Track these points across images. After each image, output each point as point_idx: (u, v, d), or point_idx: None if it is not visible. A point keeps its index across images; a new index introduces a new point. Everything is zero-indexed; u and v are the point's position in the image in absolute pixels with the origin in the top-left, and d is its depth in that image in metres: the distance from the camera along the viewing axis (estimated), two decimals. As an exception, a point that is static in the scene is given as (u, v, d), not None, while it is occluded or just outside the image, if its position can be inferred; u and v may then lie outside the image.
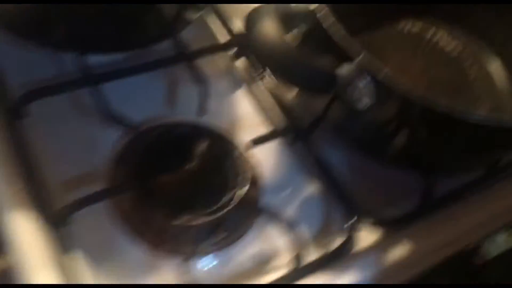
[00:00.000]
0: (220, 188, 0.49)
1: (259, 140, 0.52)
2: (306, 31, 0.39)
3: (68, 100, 0.51)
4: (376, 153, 0.49)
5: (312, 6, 0.42)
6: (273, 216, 0.48)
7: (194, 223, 0.45)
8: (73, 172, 0.47)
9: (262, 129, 0.54)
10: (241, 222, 0.48)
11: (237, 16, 0.59)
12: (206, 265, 0.46)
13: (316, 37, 0.39)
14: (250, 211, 0.48)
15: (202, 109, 0.52)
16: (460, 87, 0.57)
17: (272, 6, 0.38)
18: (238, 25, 0.59)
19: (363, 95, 0.41)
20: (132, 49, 0.51)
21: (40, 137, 0.48)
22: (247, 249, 0.47)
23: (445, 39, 0.62)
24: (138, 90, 0.54)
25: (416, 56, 0.59)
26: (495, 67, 0.59)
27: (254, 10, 0.39)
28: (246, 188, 0.50)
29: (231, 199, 0.47)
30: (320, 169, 0.52)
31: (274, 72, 0.38)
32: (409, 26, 0.62)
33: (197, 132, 0.51)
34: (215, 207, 0.47)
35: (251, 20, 0.38)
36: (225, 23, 0.59)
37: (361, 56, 0.39)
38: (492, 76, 0.58)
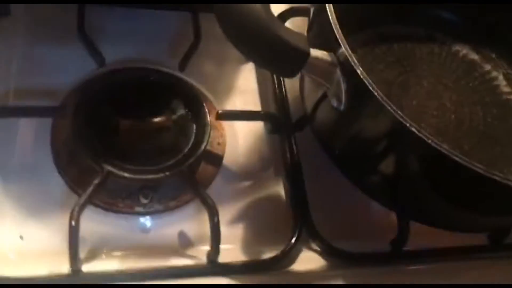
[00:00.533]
0: (175, 150, 0.45)
1: (234, 115, 0.47)
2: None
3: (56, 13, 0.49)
4: (353, 175, 0.42)
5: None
6: (220, 202, 0.43)
7: (127, 175, 0.42)
8: (35, 84, 0.45)
9: (248, 105, 0.49)
10: (181, 194, 0.44)
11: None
12: (124, 224, 0.42)
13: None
14: (198, 186, 0.43)
15: (183, 62, 0.47)
16: (497, 133, 0.47)
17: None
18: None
19: (339, 93, 0.34)
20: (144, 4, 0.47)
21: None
22: (176, 224, 0.43)
23: (500, 79, 0.51)
24: (130, 24, 0.50)
25: (459, 84, 0.50)
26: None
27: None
28: (202, 161, 0.46)
29: (180, 166, 0.43)
30: (289, 171, 0.46)
31: (238, 37, 0.32)
32: (465, 51, 0.53)
33: (174, 85, 0.47)
34: (159, 167, 0.43)
35: None
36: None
37: (342, 48, 0.32)
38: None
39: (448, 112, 0.48)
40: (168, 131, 0.46)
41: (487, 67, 0.52)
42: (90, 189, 0.40)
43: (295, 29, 0.39)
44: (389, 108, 0.32)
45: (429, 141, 0.30)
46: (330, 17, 0.33)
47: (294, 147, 0.46)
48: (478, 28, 0.53)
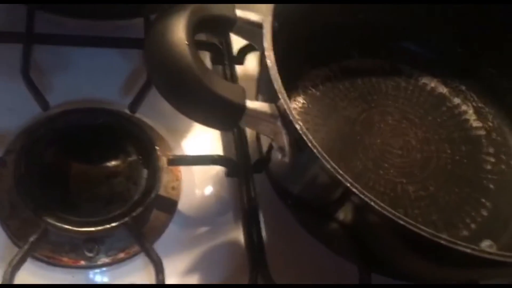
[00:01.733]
0: (125, 199, 0.42)
1: (185, 161, 0.45)
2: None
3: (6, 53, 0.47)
4: (307, 225, 0.39)
5: (254, 17, 0.34)
6: (172, 251, 0.41)
7: (68, 227, 0.39)
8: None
9: (207, 146, 0.47)
10: (130, 245, 0.41)
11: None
12: (69, 279, 0.40)
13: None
14: (143, 240, 0.40)
15: (134, 103, 0.45)
16: (465, 172, 0.45)
17: (189, 6, 0.30)
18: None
19: (282, 146, 0.32)
20: (90, 17, 0.45)
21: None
22: (125, 277, 0.40)
23: (470, 113, 0.49)
24: (80, 63, 0.48)
25: (426, 119, 0.48)
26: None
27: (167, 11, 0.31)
28: (154, 208, 0.44)
29: (126, 217, 0.41)
30: (246, 215, 0.43)
31: (168, 89, 0.29)
32: (433, 84, 0.51)
33: (125, 127, 0.45)
34: (104, 219, 0.40)
35: (157, 20, 0.30)
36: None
37: (281, 99, 0.30)
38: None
39: (414, 150, 0.46)
40: (118, 177, 0.43)
41: (457, 100, 0.50)
42: (29, 243, 0.38)
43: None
44: (330, 168, 0.29)
45: (372, 204, 0.28)
46: (268, 64, 0.31)
47: (252, 190, 0.44)
48: (447, 60, 0.51)
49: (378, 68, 0.50)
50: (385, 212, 0.28)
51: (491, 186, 0.45)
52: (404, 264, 0.35)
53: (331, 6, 0.45)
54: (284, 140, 0.32)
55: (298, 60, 0.47)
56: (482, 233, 0.42)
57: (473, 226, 0.42)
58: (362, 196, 0.29)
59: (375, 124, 0.47)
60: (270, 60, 0.31)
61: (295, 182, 0.36)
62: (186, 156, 0.45)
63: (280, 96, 0.31)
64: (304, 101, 0.47)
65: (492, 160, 0.46)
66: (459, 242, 0.28)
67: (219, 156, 0.45)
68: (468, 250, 0.28)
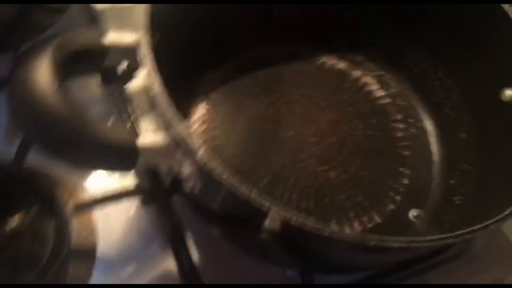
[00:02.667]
0: (33, 261, 0.38)
1: (96, 201, 0.41)
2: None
3: None
4: (235, 241, 0.38)
5: (128, 38, 0.31)
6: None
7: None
8: None
9: (109, 182, 0.43)
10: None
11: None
12: None
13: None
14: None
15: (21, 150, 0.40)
16: (380, 145, 0.45)
17: (53, 41, 0.26)
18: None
19: (189, 174, 0.30)
20: None
21: None
22: None
23: (372, 83, 0.49)
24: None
25: (333, 100, 0.47)
26: (429, 129, 0.47)
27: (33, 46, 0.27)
28: (70, 262, 0.40)
29: (44, 277, 0.37)
30: (173, 241, 0.41)
31: (41, 142, 0.26)
32: (332, 61, 0.50)
33: (17, 177, 0.41)
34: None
35: (21, 61, 0.26)
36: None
37: (176, 128, 0.27)
38: (424, 140, 0.46)
39: (327, 134, 0.45)
40: (22, 236, 0.39)
41: (357, 73, 0.49)
42: None
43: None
44: (240, 192, 0.27)
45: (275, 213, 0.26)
46: (155, 91, 0.28)
47: (174, 213, 0.42)
48: (340, 33, 0.50)
49: (277, 55, 0.48)
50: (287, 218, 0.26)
51: (406, 153, 0.45)
52: (328, 259, 0.34)
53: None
54: (191, 168, 0.29)
55: (191, 66, 0.44)
56: (408, 203, 0.42)
57: (397, 198, 0.42)
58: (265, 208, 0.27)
59: (284, 116, 0.45)
60: (156, 86, 0.29)
61: (210, 201, 0.34)
62: (95, 196, 0.41)
63: (174, 126, 0.28)
64: (208, 108, 0.45)
65: (402, 126, 0.47)
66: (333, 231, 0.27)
67: (130, 187, 0.42)
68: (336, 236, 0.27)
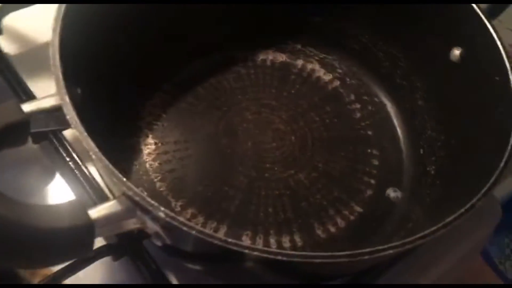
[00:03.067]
0: None
1: (67, 271, 0.37)
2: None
3: None
4: (220, 273, 0.35)
5: (48, 102, 0.28)
6: None
7: None
8: None
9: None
10: None
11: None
12: None
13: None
14: None
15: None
16: (341, 132, 0.44)
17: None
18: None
19: (156, 232, 0.27)
20: None
21: None
22: None
23: (317, 69, 0.47)
24: None
25: (282, 97, 0.45)
26: (385, 103, 0.46)
27: None
28: None
29: None
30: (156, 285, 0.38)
31: None
32: (271, 57, 0.48)
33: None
34: None
35: None
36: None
37: (127, 189, 0.25)
38: (383, 115, 0.45)
39: (286, 135, 0.43)
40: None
41: (300, 62, 0.47)
42: None
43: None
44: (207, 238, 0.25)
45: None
46: (92, 155, 0.25)
47: (151, 261, 0.39)
48: (272, 25, 0.48)
49: (210, 68, 0.46)
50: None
51: (369, 132, 0.44)
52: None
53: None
54: (155, 226, 0.27)
55: (125, 104, 0.41)
56: (384, 184, 0.41)
57: (372, 181, 0.41)
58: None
59: (237, 127, 0.43)
60: (92, 152, 0.26)
61: (183, 246, 0.31)
62: (65, 266, 0.38)
63: (125, 189, 0.25)
64: (156, 140, 0.42)
65: (358, 106, 0.45)
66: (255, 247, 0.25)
67: (98, 248, 0.39)
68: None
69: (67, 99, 0.28)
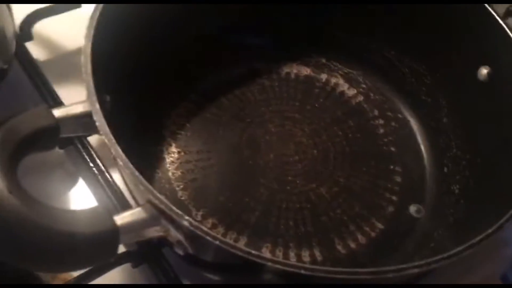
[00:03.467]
0: None
1: (88, 277, 0.38)
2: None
3: None
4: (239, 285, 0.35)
5: (78, 108, 0.28)
6: None
7: None
8: None
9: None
10: None
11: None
12: None
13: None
14: None
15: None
16: (364, 147, 0.44)
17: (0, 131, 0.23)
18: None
19: (178, 241, 0.28)
20: None
21: None
22: None
23: (342, 83, 0.47)
24: None
25: (305, 110, 0.45)
26: (409, 119, 0.45)
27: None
28: None
29: None
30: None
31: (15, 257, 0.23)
32: (295, 70, 0.48)
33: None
34: None
35: None
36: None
37: (153, 198, 0.25)
38: (407, 132, 0.45)
39: (309, 148, 0.43)
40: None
41: (324, 76, 0.47)
42: None
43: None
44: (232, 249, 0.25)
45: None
46: (119, 163, 0.26)
47: (170, 270, 0.39)
48: (296, 38, 0.48)
49: (235, 79, 0.46)
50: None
51: (392, 148, 0.43)
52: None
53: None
54: (178, 235, 0.27)
55: (151, 112, 0.41)
56: (406, 201, 0.41)
57: (394, 198, 0.41)
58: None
59: (260, 139, 0.43)
60: (120, 159, 0.26)
61: (204, 255, 0.31)
62: (85, 272, 0.38)
63: (151, 197, 0.25)
64: (179, 149, 0.42)
65: (381, 122, 0.45)
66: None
67: (118, 255, 0.39)
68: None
69: (97, 106, 0.29)
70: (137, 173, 0.27)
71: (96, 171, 0.40)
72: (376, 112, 0.46)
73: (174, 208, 0.26)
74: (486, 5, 0.38)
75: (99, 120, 0.28)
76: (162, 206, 0.26)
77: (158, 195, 0.26)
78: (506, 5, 0.39)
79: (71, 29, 0.48)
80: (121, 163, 0.27)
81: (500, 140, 0.36)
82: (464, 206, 0.37)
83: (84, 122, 0.30)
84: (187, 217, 0.25)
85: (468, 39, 0.39)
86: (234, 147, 0.43)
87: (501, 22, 0.38)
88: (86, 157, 0.40)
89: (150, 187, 0.26)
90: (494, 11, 0.38)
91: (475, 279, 0.42)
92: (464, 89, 0.40)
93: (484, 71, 0.38)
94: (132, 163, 0.28)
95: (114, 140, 0.27)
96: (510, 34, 0.37)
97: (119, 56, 0.36)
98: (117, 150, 0.27)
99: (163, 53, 0.42)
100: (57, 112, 0.29)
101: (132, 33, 0.37)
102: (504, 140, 0.36)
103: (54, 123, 0.28)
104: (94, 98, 0.29)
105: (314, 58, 0.48)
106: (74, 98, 0.35)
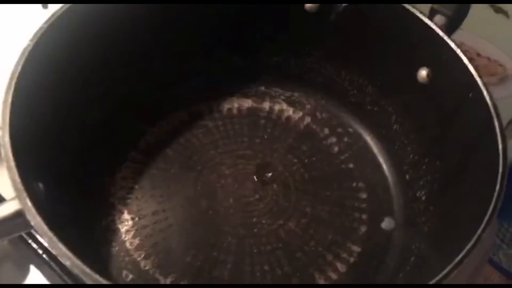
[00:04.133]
0: None
1: None
2: None
3: None
4: None
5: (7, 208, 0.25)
6: None
7: None
8: None
9: None
10: None
11: None
12: None
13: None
14: None
15: None
16: (322, 170, 0.42)
17: None
18: None
19: None
20: None
21: None
22: None
23: (286, 108, 0.46)
24: None
25: (255, 144, 0.43)
26: (360, 132, 0.44)
27: None
28: None
29: None
30: None
31: None
32: (236, 104, 0.46)
33: None
34: None
35: None
36: None
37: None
38: (361, 144, 0.44)
39: (267, 184, 0.41)
40: None
41: (267, 105, 0.45)
42: None
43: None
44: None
45: None
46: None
47: None
48: (229, 71, 0.46)
49: (176, 125, 0.43)
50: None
51: (350, 165, 0.42)
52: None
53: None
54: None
55: (93, 180, 0.38)
56: (377, 217, 0.40)
57: (364, 216, 0.39)
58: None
59: (216, 185, 0.40)
60: (61, 255, 0.23)
61: None
62: None
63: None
64: (133, 214, 0.39)
65: (334, 140, 0.44)
66: None
67: None
68: None
69: (28, 203, 0.26)
70: (87, 270, 0.24)
71: (46, 258, 0.37)
72: (326, 131, 0.44)
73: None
74: (406, 5, 0.38)
75: (34, 219, 0.24)
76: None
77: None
78: (429, 5, 0.39)
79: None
80: (67, 262, 0.24)
81: (454, 139, 0.36)
82: (435, 212, 0.36)
83: (17, 222, 0.26)
84: None
85: (399, 42, 0.38)
86: (191, 200, 0.40)
87: (427, 21, 0.37)
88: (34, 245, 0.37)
89: (104, 282, 0.23)
90: (420, 12, 0.38)
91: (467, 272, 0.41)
92: (406, 93, 0.40)
93: (423, 72, 0.38)
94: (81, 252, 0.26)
95: (55, 238, 0.24)
96: (439, 32, 0.37)
97: (41, 134, 0.33)
98: (61, 249, 0.24)
99: (88, 120, 0.39)
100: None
101: (50, 106, 0.34)
102: (458, 139, 0.35)
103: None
104: (24, 194, 0.26)
105: (252, 88, 0.47)
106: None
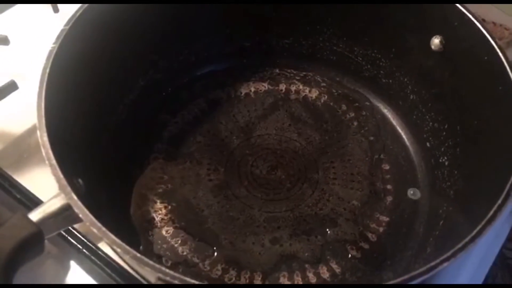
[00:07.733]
0: None
1: None
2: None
3: None
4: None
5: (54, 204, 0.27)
6: None
7: None
8: None
9: None
10: None
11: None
12: None
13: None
14: None
15: None
16: (346, 143, 0.43)
17: None
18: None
19: None
20: None
21: None
22: None
23: (302, 89, 0.47)
24: None
25: (275, 126, 0.44)
26: (378, 105, 0.45)
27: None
28: None
29: None
30: None
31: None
32: (252, 88, 0.47)
33: None
34: None
35: None
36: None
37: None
38: (379, 117, 0.45)
39: (293, 161, 0.42)
40: None
41: (283, 87, 0.46)
42: None
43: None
44: None
45: None
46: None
47: None
48: (243, 57, 0.47)
49: (197, 115, 0.44)
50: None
51: (371, 138, 0.43)
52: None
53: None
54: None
55: (124, 173, 0.40)
56: (402, 186, 0.41)
57: (389, 187, 0.41)
58: None
59: (244, 169, 0.41)
60: (117, 246, 0.24)
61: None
62: None
63: (160, 275, 0.24)
64: (165, 203, 0.40)
65: (352, 115, 0.45)
66: None
67: None
68: None
69: (74, 197, 0.27)
70: (138, 255, 0.25)
71: (87, 252, 0.38)
72: (344, 107, 0.46)
73: (188, 279, 0.24)
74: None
75: (81, 211, 0.26)
76: (176, 282, 0.24)
77: (167, 271, 0.25)
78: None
79: (14, 115, 0.45)
80: (119, 249, 0.25)
81: (472, 102, 0.37)
82: (459, 175, 0.37)
83: (64, 216, 0.28)
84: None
85: (410, 14, 0.39)
86: (220, 186, 0.41)
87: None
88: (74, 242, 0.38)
89: (156, 265, 0.24)
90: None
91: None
92: (421, 62, 0.41)
93: (436, 40, 0.38)
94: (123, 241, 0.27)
95: (104, 228, 0.26)
96: (450, -2, 0.37)
97: (75, 133, 0.34)
98: (110, 237, 0.25)
99: (114, 116, 0.40)
100: (35, 216, 0.27)
101: (80, 108, 0.35)
102: (476, 101, 0.36)
103: (36, 230, 0.26)
104: (68, 189, 0.27)
105: (267, 71, 0.48)
106: (42, 183, 0.32)
